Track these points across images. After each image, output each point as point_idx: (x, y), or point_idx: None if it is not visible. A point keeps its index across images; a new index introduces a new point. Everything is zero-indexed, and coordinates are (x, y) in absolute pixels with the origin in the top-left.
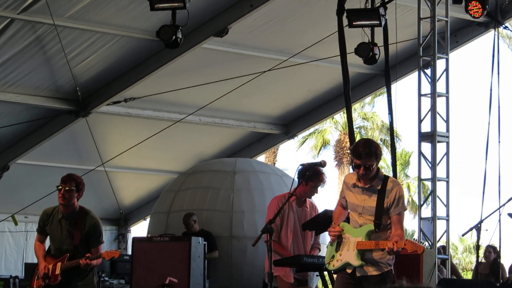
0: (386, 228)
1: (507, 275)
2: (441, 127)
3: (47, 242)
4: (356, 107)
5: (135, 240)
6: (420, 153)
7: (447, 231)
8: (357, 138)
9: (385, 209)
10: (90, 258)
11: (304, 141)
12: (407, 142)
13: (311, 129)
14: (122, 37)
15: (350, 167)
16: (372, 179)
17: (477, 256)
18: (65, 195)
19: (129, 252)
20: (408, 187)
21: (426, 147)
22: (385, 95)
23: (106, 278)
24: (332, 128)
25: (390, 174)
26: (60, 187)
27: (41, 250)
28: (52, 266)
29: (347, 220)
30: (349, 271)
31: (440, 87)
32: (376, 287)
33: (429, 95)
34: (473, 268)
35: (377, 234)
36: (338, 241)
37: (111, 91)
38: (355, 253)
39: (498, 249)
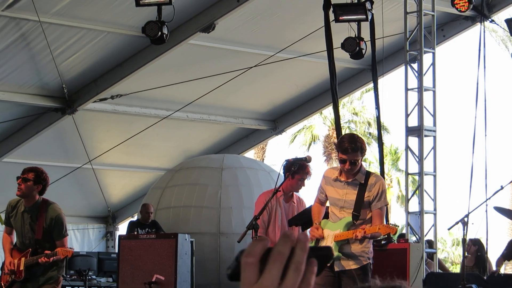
0: (366, 222)
1: (494, 268)
2: (428, 121)
3: (15, 234)
4: (345, 101)
5: (121, 237)
6: (407, 148)
7: (434, 225)
8: (345, 133)
9: (366, 203)
10: (47, 255)
11: (294, 138)
12: (396, 136)
13: (300, 125)
14: (108, 33)
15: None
16: (355, 174)
17: (464, 250)
18: (20, 185)
19: (117, 250)
20: (398, 181)
21: (414, 141)
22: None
23: (94, 276)
24: (320, 123)
25: (378, 168)
26: (17, 177)
27: (8, 243)
28: (17, 261)
29: (326, 216)
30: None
31: (427, 81)
32: (357, 280)
33: (416, 90)
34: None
35: (356, 227)
36: (317, 238)
37: (98, 88)
38: (333, 246)
39: (481, 242)
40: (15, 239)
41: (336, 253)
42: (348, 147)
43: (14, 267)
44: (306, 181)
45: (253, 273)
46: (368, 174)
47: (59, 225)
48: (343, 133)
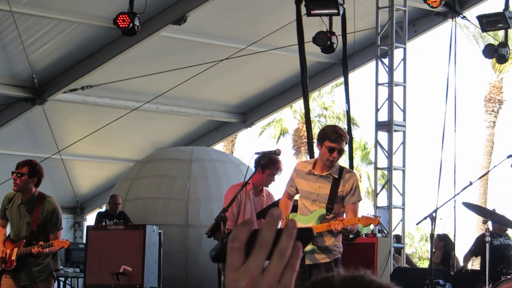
0: (338, 216)
1: (461, 264)
2: (398, 116)
3: (9, 227)
4: (315, 95)
5: (89, 228)
6: (377, 142)
7: (402, 220)
8: (315, 127)
9: (339, 197)
10: (42, 246)
11: (263, 131)
12: (366, 131)
13: (270, 118)
14: (80, 24)
15: (308, 156)
16: (331, 168)
17: (431, 245)
18: (16, 180)
19: (85, 240)
20: (368, 176)
21: (383, 136)
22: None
23: (61, 267)
24: (290, 117)
25: (347, 162)
26: (12, 172)
27: (1, 235)
28: (10, 251)
29: (294, 210)
30: None
31: (397, 76)
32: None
33: (387, 85)
34: (429, 257)
35: (328, 220)
36: None
37: (68, 79)
38: None
39: (449, 237)
40: (8, 232)
41: (310, 247)
42: (337, 136)
43: (6, 256)
44: (276, 177)
45: (238, 258)
46: (342, 169)
47: (54, 218)
48: (313, 127)
